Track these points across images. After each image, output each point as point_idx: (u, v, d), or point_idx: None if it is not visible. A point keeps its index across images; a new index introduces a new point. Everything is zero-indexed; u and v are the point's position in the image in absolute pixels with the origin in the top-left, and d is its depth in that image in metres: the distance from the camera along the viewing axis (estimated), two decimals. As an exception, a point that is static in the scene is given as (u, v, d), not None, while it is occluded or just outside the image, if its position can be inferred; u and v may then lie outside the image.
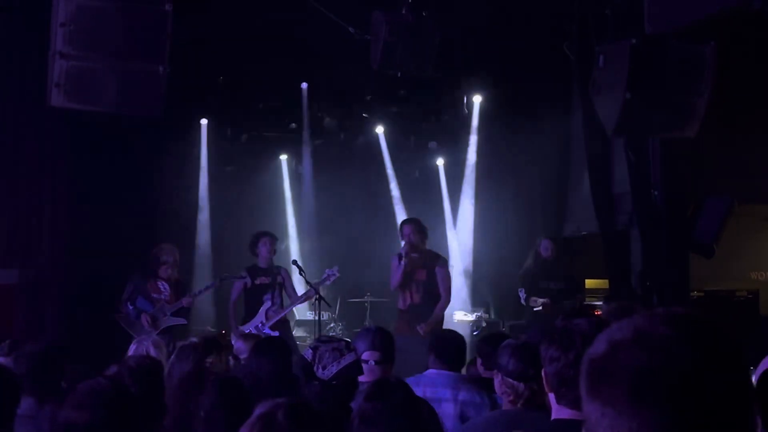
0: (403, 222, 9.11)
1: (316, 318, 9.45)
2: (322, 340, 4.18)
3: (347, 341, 4.22)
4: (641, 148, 9.13)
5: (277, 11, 8.73)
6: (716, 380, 1.24)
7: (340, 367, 4.00)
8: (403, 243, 8.68)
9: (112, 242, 9.56)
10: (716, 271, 10.25)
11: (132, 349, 5.61)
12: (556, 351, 2.59)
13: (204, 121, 11.68)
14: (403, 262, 8.57)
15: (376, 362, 4.76)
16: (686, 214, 9.34)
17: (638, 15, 6.74)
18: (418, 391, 4.76)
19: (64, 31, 6.41)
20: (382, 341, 4.88)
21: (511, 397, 3.81)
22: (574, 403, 2.53)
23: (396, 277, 8.65)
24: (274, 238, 9.47)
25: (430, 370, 5.00)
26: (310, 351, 4.08)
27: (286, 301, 9.31)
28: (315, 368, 4.02)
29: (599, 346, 1.32)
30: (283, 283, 9.30)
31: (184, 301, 8.88)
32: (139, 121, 8.50)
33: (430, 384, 4.89)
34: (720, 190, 9.41)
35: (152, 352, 5.36)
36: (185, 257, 10.14)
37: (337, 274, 9.25)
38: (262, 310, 9.08)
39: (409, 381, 4.88)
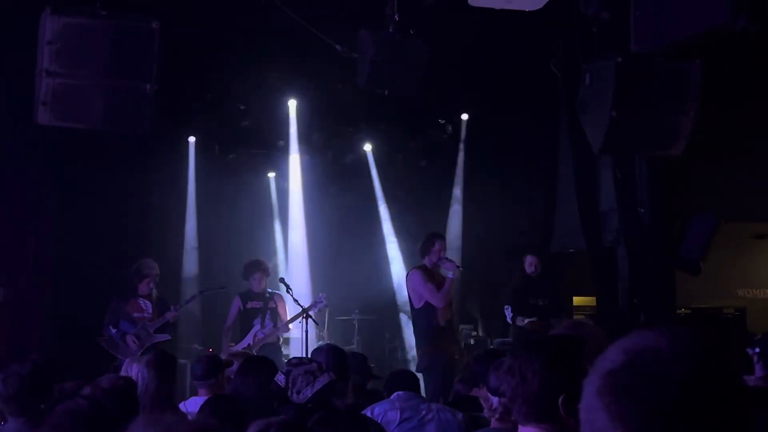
0: (436, 235, 8.77)
1: (304, 336, 9.46)
2: (293, 363, 4.14)
3: (319, 363, 4.19)
4: (628, 165, 9.17)
5: (265, 29, 8.76)
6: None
7: (315, 390, 3.96)
8: (441, 260, 8.37)
9: (98, 260, 9.51)
10: (704, 288, 10.27)
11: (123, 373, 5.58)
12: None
13: (192, 139, 11.66)
14: (451, 276, 8.31)
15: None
16: (673, 232, 9.37)
17: (624, 33, 6.78)
18: (395, 414, 4.77)
19: (51, 49, 6.38)
20: (336, 360, 4.82)
21: (486, 411, 3.87)
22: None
23: (445, 294, 8.31)
24: (267, 272, 9.58)
25: (399, 392, 4.99)
26: (282, 376, 4.04)
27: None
28: (289, 393, 3.98)
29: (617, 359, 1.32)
30: (276, 309, 9.39)
31: (169, 315, 8.83)
32: (126, 139, 8.49)
33: (406, 402, 4.89)
34: (706, 208, 9.45)
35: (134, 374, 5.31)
36: (172, 274, 10.12)
37: (324, 302, 9.28)
38: (251, 333, 9.24)
39: (382, 404, 4.90)
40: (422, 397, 5.15)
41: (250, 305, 9.37)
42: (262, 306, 9.34)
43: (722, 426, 1.25)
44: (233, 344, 9.25)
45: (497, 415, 3.80)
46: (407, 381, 5.21)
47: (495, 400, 3.80)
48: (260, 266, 9.52)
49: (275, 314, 9.37)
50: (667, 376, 1.24)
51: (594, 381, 1.31)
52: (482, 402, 4.11)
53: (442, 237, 8.84)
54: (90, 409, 3.02)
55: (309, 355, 5.02)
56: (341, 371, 4.80)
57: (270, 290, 9.52)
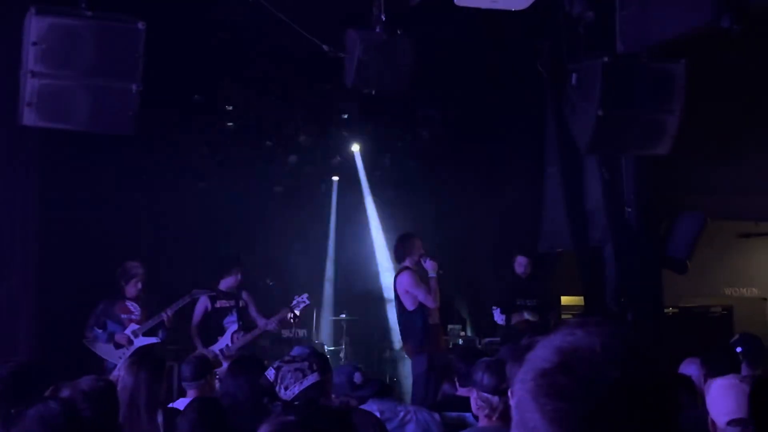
0: (413, 235, 8.88)
1: (292, 336, 9.45)
2: (285, 360, 4.15)
3: (310, 361, 4.19)
4: (614, 165, 9.19)
5: (252, 29, 8.74)
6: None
7: (302, 387, 3.97)
8: (422, 257, 8.49)
9: (84, 259, 9.46)
10: (690, 287, 10.32)
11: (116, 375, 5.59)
12: (517, 370, 2.57)
13: (182, 139, 11.63)
14: (434, 274, 8.41)
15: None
16: (659, 231, 9.40)
17: (610, 33, 6.80)
18: (381, 416, 4.77)
19: (36, 49, 6.35)
20: (320, 361, 4.68)
21: (487, 411, 3.84)
22: None
23: (435, 293, 8.42)
24: (244, 269, 9.26)
25: (372, 398, 4.98)
26: (273, 371, 4.05)
27: (249, 324, 9.10)
28: (277, 389, 3.99)
29: (550, 356, 1.31)
30: (246, 307, 9.09)
31: (164, 315, 8.61)
32: (112, 139, 8.46)
33: (382, 405, 4.88)
34: (693, 207, 9.48)
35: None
36: (157, 276, 10.06)
37: (307, 302, 9.20)
38: (228, 333, 8.91)
39: (366, 408, 4.89)
40: (396, 400, 5.14)
41: (219, 304, 8.98)
42: (231, 305, 9.00)
43: (654, 429, 1.27)
44: (208, 343, 8.95)
45: (497, 414, 3.80)
46: (380, 389, 5.19)
47: (495, 399, 3.78)
48: (240, 263, 9.17)
49: (245, 313, 9.06)
50: (602, 379, 1.25)
51: (527, 381, 1.31)
52: (472, 401, 4.10)
53: (418, 236, 8.90)
54: (61, 413, 2.99)
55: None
56: (324, 372, 4.78)
57: (237, 287, 9.15)
